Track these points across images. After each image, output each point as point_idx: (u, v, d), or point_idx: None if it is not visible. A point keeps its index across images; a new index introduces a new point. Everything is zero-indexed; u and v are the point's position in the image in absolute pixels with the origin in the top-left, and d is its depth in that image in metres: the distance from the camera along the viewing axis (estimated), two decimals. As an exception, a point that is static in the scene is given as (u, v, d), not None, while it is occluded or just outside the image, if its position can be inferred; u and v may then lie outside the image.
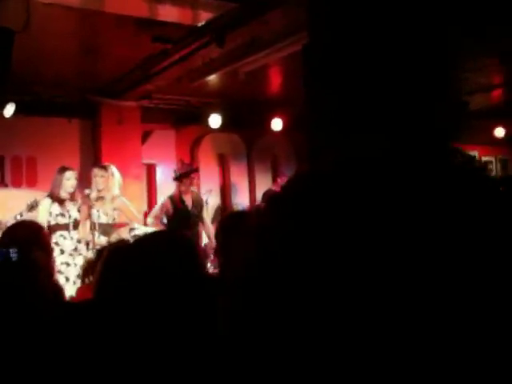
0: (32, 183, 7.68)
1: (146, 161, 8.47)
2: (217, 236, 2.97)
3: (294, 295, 0.68)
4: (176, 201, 6.80)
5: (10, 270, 1.96)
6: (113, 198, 6.14)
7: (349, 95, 0.81)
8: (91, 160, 7.88)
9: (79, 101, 7.91)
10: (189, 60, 6.09)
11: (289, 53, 5.86)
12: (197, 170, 7.80)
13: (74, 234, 5.93)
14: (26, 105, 7.14)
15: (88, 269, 3.24)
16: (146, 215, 7.34)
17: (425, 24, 0.81)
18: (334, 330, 0.65)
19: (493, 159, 12.24)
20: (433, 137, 0.79)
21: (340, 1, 0.85)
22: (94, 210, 5.91)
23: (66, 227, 5.91)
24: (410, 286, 0.65)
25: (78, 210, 6.04)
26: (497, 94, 8.87)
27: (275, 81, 7.96)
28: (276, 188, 8.12)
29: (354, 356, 0.64)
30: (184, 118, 8.74)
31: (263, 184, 9.43)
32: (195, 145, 9.20)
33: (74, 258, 5.80)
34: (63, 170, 6.11)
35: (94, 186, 6.15)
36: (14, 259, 1.93)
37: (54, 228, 5.84)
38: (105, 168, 6.31)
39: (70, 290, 5.04)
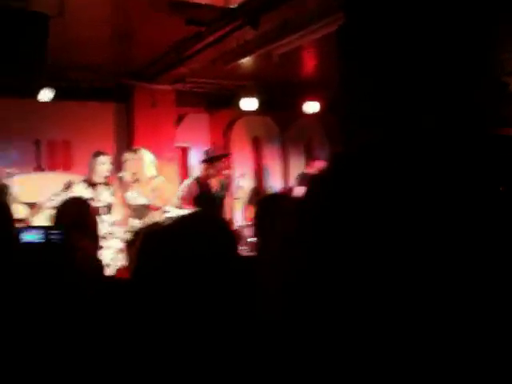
0: (67, 167, 7.81)
1: (180, 144, 8.52)
2: (254, 218, 2.99)
3: (333, 272, 0.68)
4: (202, 183, 6.82)
5: (51, 250, 2.00)
6: (149, 179, 6.18)
7: (384, 77, 0.80)
8: (126, 143, 7.97)
9: (113, 85, 7.98)
10: (222, 42, 6.07)
11: (323, 34, 5.79)
12: (228, 155, 7.80)
13: (108, 218, 5.99)
14: (61, 90, 7.23)
15: (125, 251, 3.29)
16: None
17: (464, 3, 0.79)
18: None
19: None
20: (471, 118, 0.77)
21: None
22: (129, 192, 5.97)
23: (98, 211, 5.99)
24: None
25: (112, 194, 6.11)
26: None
27: (309, 63, 7.89)
28: (310, 171, 8.09)
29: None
30: (217, 101, 8.75)
31: (296, 167, 9.41)
32: (228, 128, 9.21)
33: (107, 241, 5.88)
34: (97, 154, 6.18)
35: (126, 169, 6.21)
36: (55, 240, 1.97)
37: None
38: (134, 151, 6.36)
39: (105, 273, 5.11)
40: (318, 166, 7.94)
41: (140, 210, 6.06)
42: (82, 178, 6.23)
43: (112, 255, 5.51)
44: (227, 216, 6.97)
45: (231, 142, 9.18)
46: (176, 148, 8.42)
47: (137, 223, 5.77)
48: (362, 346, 0.68)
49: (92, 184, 6.06)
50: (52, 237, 1.95)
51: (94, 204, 6.00)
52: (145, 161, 6.20)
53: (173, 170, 8.12)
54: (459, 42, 0.80)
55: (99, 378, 1.56)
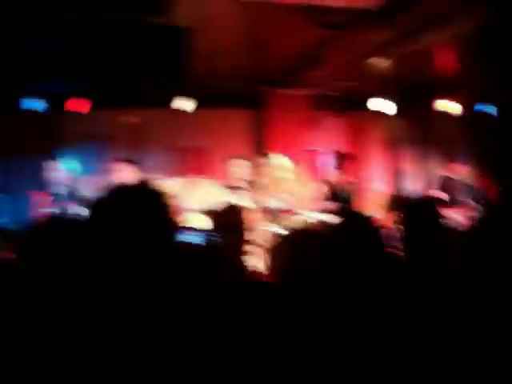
0: (204, 173, 8.07)
1: (312, 147, 8.52)
2: (400, 223, 2.89)
3: None
4: (333, 186, 6.75)
5: (210, 251, 2.06)
6: (284, 184, 6.22)
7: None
8: (260, 149, 8.10)
9: (248, 92, 8.14)
10: (358, 44, 5.99)
11: (461, 30, 5.53)
12: (359, 158, 7.67)
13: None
14: (198, 98, 7.50)
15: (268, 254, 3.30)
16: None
17: None
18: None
19: None
20: None
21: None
22: (264, 196, 6.04)
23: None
24: None
25: (250, 199, 6.20)
26: None
27: (447, 62, 7.57)
28: (450, 174, 7.74)
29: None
30: (352, 104, 8.65)
31: (435, 170, 9.04)
32: (362, 130, 9.06)
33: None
34: (234, 159, 6.31)
35: (261, 174, 6.29)
36: (213, 242, 2.02)
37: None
38: (269, 156, 6.42)
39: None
40: (458, 169, 7.59)
41: (275, 214, 6.11)
42: (221, 183, 6.39)
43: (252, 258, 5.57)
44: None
45: (365, 144, 9.02)
46: (308, 151, 8.42)
47: (272, 227, 5.82)
48: None
49: (231, 188, 6.20)
50: (210, 238, 2.01)
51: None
52: (279, 166, 6.26)
53: (305, 173, 8.12)
54: None
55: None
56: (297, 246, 2.34)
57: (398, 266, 2.01)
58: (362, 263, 1.88)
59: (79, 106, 6.63)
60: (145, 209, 1.42)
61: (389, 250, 2.36)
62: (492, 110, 5.50)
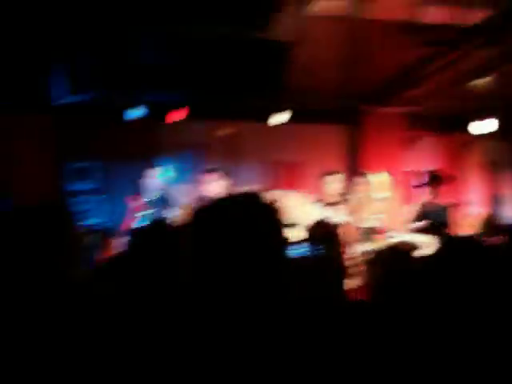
0: (298, 187, 8.08)
1: (408, 167, 8.33)
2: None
3: None
4: (427, 207, 6.56)
5: (317, 263, 2.06)
6: (379, 203, 6.13)
7: None
8: (354, 166, 8.03)
9: (344, 108, 8.09)
10: (460, 62, 5.81)
11: None
12: (455, 179, 7.42)
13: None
14: (295, 112, 7.52)
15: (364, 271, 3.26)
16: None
17: None
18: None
19: None
20: None
21: None
22: (357, 214, 5.98)
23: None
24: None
25: (345, 214, 6.16)
26: None
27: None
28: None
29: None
30: (450, 124, 8.40)
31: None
32: (461, 152, 8.78)
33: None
34: (328, 174, 6.29)
35: (356, 192, 6.23)
36: (318, 254, 2.02)
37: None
38: (365, 175, 6.34)
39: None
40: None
41: (366, 233, 6.02)
42: (314, 198, 6.38)
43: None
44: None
45: (462, 166, 8.73)
46: (404, 172, 8.25)
47: (365, 246, 5.74)
48: None
49: (325, 203, 6.17)
50: (315, 251, 2.01)
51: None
52: (376, 184, 6.17)
53: (401, 194, 7.96)
54: None
55: None
56: (390, 265, 2.30)
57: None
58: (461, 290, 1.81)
59: (178, 115, 6.82)
60: (257, 221, 1.41)
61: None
62: None
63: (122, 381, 1.58)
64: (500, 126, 7.65)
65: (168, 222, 2.28)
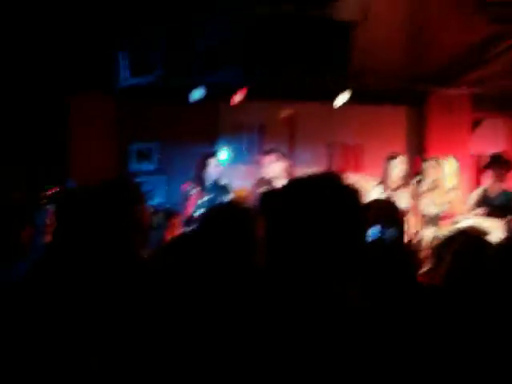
0: (358, 169, 7.97)
1: (475, 151, 8.09)
2: None
3: None
4: (490, 192, 6.35)
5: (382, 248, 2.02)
6: (447, 190, 5.99)
7: None
8: (417, 149, 7.86)
9: (406, 89, 7.90)
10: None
11: None
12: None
13: None
14: (355, 93, 7.38)
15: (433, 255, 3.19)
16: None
17: None
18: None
19: None
20: None
21: None
22: (423, 200, 5.87)
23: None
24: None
25: (407, 198, 6.06)
26: None
27: None
28: None
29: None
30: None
31: None
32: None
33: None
34: (390, 158, 6.17)
35: (424, 176, 6.09)
36: (386, 237, 1.98)
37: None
38: (436, 159, 6.18)
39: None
40: None
41: (431, 219, 5.90)
42: (375, 180, 6.28)
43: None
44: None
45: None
46: (471, 155, 8.01)
47: (430, 231, 5.62)
48: None
49: (387, 187, 6.07)
50: (387, 234, 1.97)
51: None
52: (445, 170, 6.02)
53: (467, 178, 7.75)
54: None
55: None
56: (464, 251, 2.24)
57: None
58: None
59: (237, 96, 6.80)
60: (340, 203, 1.37)
61: None
62: None
63: (192, 355, 1.59)
64: None
65: (238, 205, 2.27)
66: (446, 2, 5.32)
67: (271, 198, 1.47)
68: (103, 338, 1.87)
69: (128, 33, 5.88)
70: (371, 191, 6.02)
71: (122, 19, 5.62)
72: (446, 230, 4.98)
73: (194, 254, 2.03)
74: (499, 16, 5.39)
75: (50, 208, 3.64)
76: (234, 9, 4.90)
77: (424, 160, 6.33)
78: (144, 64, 5.77)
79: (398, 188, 6.08)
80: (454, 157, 6.95)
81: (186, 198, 6.13)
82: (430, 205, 5.93)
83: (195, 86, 6.28)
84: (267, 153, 6.63)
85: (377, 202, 3.33)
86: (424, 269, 3.42)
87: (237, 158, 7.95)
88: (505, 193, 6.38)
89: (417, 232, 5.80)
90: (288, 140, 8.04)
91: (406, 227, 2.94)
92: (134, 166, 8.01)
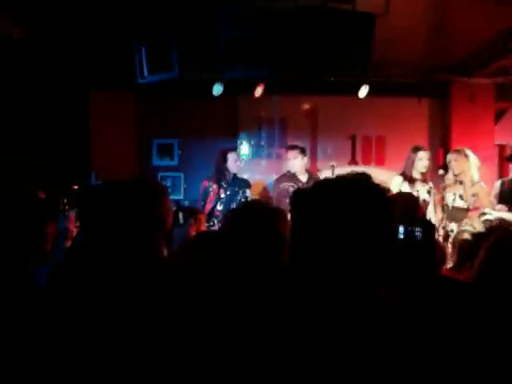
0: (380, 162, 7.91)
1: (499, 142, 7.97)
2: None
3: None
4: (508, 183, 6.24)
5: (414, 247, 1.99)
6: (472, 183, 5.90)
7: None
8: (440, 140, 7.78)
9: (429, 80, 7.80)
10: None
11: None
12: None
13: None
14: (377, 85, 7.28)
15: (464, 253, 3.13)
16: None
17: None
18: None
19: None
20: None
21: None
22: (448, 193, 5.81)
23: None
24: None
25: (428, 192, 5.99)
26: None
27: None
28: None
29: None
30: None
31: None
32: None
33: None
34: (416, 149, 6.09)
35: (449, 169, 6.02)
36: (416, 236, 1.94)
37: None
38: (460, 152, 6.08)
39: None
40: None
41: (455, 213, 5.82)
42: (396, 172, 6.22)
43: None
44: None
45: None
46: (495, 146, 7.90)
47: (453, 225, 5.55)
48: None
49: (408, 179, 6.00)
50: (413, 233, 1.92)
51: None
52: (471, 163, 5.93)
53: (490, 170, 7.64)
54: None
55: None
56: (498, 248, 2.20)
57: None
58: None
59: (257, 91, 6.76)
60: (371, 203, 1.34)
61: None
62: None
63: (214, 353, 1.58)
64: None
65: (263, 203, 2.25)
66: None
67: (302, 196, 1.44)
68: (127, 339, 1.86)
69: (148, 29, 5.88)
70: (395, 184, 5.97)
71: (143, 16, 5.62)
72: (471, 224, 4.89)
73: (221, 253, 2.02)
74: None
75: (72, 213, 3.67)
76: (257, 2, 4.87)
77: (447, 152, 6.24)
78: (164, 60, 5.76)
79: (419, 180, 6.02)
80: (478, 148, 6.86)
81: (206, 194, 6.12)
82: (455, 199, 5.85)
83: (215, 82, 6.25)
84: (290, 148, 6.61)
85: (400, 195, 3.28)
86: (449, 264, 3.37)
87: (257, 152, 7.94)
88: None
89: (441, 226, 5.73)
90: (310, 133, 8.00)
91: (432, 224, 2.90)
92: (156, 161, 8.03)
